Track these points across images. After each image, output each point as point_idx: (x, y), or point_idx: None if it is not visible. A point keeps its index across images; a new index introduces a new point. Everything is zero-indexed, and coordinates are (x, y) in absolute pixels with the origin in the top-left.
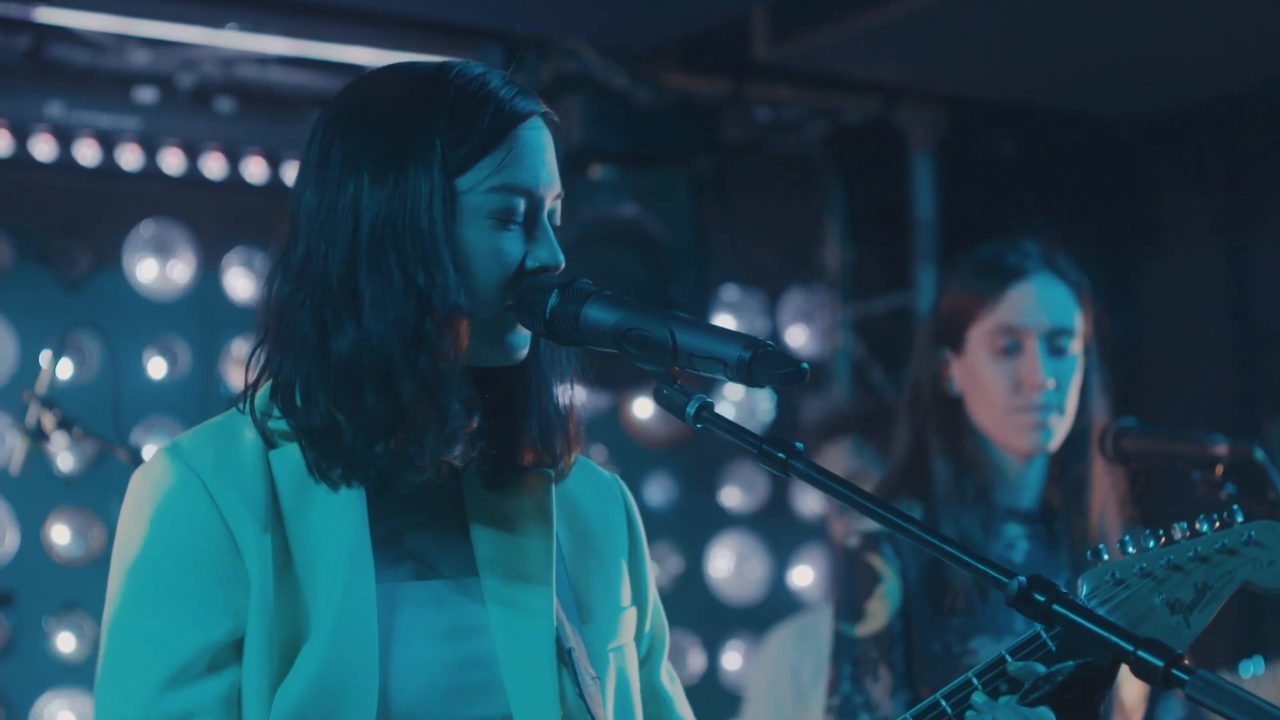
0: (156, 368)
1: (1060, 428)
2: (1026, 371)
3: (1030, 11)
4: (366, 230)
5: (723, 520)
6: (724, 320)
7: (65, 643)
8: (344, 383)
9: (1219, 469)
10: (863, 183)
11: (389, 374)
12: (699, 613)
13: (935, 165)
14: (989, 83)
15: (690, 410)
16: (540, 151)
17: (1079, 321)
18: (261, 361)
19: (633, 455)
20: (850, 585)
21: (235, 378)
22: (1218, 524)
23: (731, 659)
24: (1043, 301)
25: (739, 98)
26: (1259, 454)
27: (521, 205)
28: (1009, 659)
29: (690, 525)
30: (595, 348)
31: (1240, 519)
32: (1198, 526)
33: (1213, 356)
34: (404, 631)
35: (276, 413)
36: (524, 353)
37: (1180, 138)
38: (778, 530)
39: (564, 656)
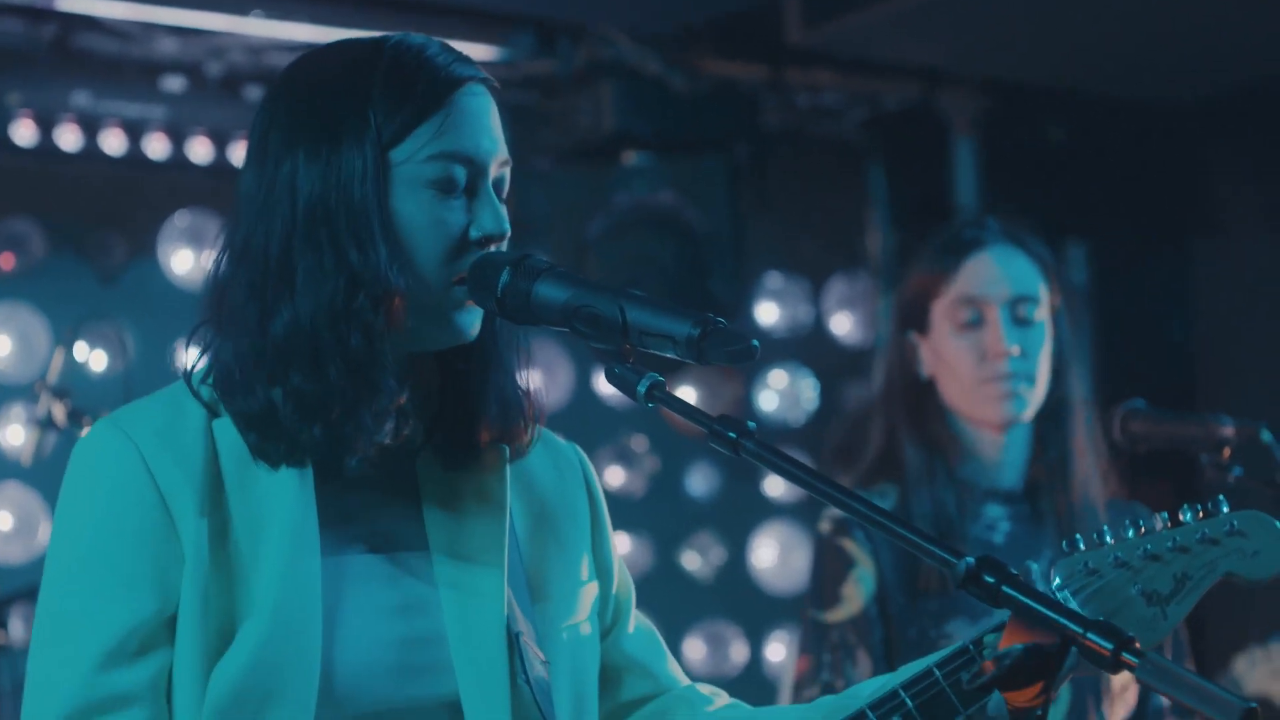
0: (193, 358)
1: (1032, 397)
2: (990, 341)
3: None
4: (302, 208)
5: (766, 510)
6: (768, 308)
7: None
8: (278, 364)
9: (1226, 451)
10: (904, 169)
11: (319, 353)
12: (742, 603)
13: (977, 151)
14: (1031, 66)
15: (641, 389)
16: (481, 117)
17: (1043, 291)
18: (202, 341)
19: (675, 445)
20: (823, 571)
21: None
22: (1202, 514)
23: (775, 650)
24: (1003, 270)
25: (776, 83)
26: (1266, 435)
27: (462, 174)
28: (973, 649)
29: (733, 515)
30: (547, 325)
31: (1225, 509)
32: (1180, 516)
33: (1270, 346)
34: (350, 606)
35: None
36: (474, 331)
37: (1233, 121)
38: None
39: (512, 640)
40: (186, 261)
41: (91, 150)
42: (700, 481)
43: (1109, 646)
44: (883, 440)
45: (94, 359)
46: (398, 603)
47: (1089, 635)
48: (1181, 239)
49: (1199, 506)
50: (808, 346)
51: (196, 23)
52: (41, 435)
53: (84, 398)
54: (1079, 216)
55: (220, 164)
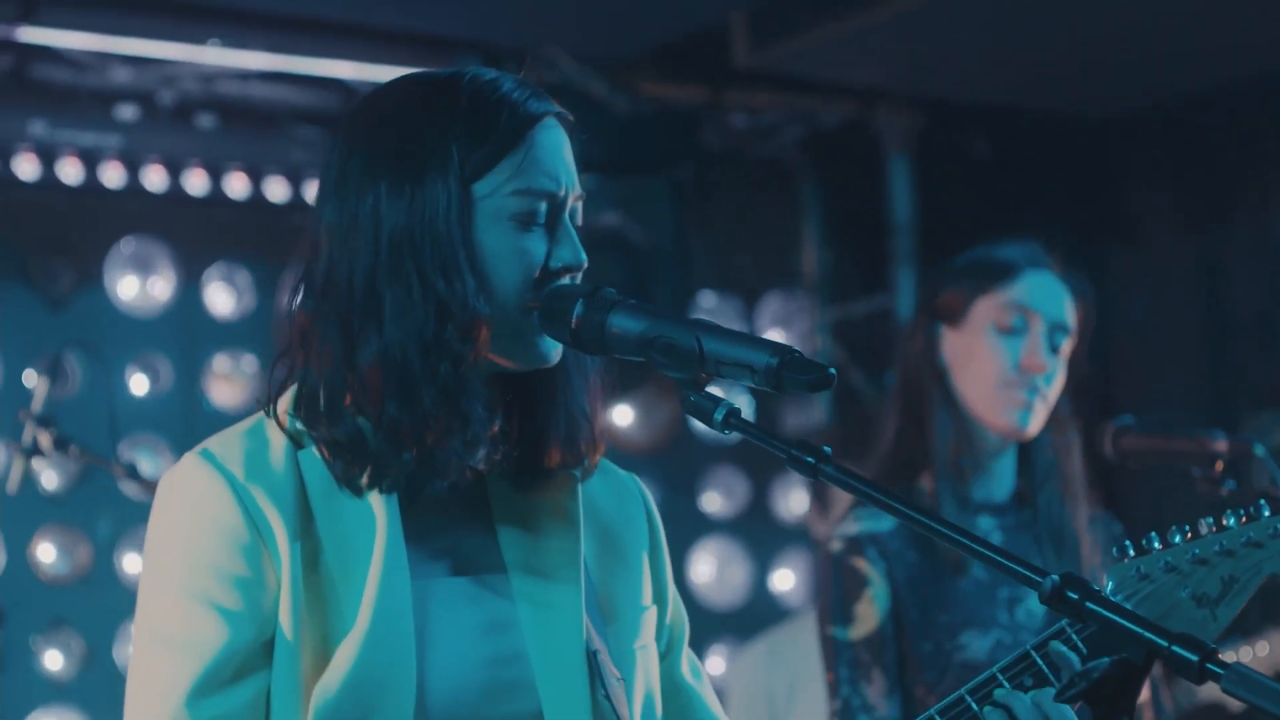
0: (139, 384)
1: (1039, 417)
2: (1030, 350)
3: (1005, 13)
4: (386, 241)
5: (704, 525)
6: None
7: (53, 660)
8: (367, 393)
9: (1219, 465)
10: (839, 186)
11: (410, 382)
12: None
13: (911, 168)
14: (964, 84)
15: (718, 416)
16: (558, 151)
17: (1073, 330)
18: (284, 373)
19: (613, 461)
20: (838, 590)
21: (218, 393)
22: (1244, 518)
23: (714, 664)
24: (1054, 294)
25: (717, 104)
26: (1259, 450)
27: (543, 207)
28: (1034, 655)
29: (671, 531)
30: (621, 356)
31: (1267, 513)
32: (1224, 521)
33: (1186, 352)
34: (439, 628)
35: (302, 422)
36: (557, 356)
37: (1152, 135)
38: (759, 535)
39: (590, 658)
40: (132, 287)
41: (49, 179)
42: None
43: (1194, 659)
44: (894, 441)
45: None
46: (484, 622)
47: (1174, 648)
48: (1099, 248)
49: (1242, 511)
50: None
51: (151, 52)
52: (27, 464)
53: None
54: (1004, 228)
55: (174, 191)
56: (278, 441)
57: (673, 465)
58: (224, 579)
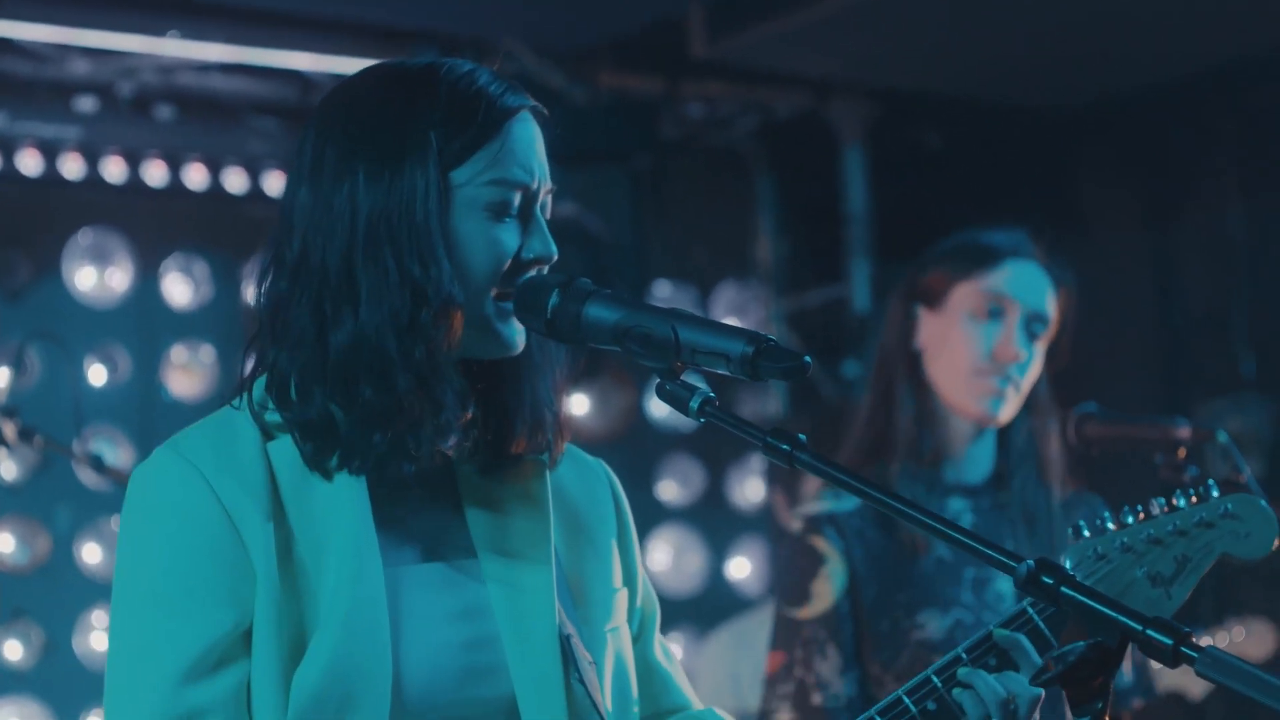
0: (97, 375)
1: (1011, 405)
2: (1004, 339)
3: (959, 5)
4: (363, 225)
5: (660, 514)
6: None
7: (12, 651)
8: (340, 375)
9: (1181, 452)
10: (794, 177)
11: (385, 366)
12: None
13: (865, 158)
14: (918, 75)
15: (694, 405)
16: (532, 145)
17: (1052, 320)
18: (255, 357)
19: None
20: (794, 568)
21: (176, 383)
22: (1194, 499)
23: (672, 650)
24: (1035, 284)
25: (674, 95)
26: (1222, 436)
27: (517, 198)
28: (995, 630)
29: None
30: (596, 346)
31: (1216, 494)
32: (1175, 502)
33: (1139, 343)
34: (412, 615)
35: (273, 405)
36: (521, 344)
37: (1104, 128)
38: (715, 523)
39: (562, 642)
40: (90, 278)
41: (8, 171)
42: None
43: (1169, 642)
44: (870, 417)
45: (1, 377)
46: (456, 607)
47: (1149, 631)
48: (1052, 240)
49: (1191, 492)
50: None
51: (110, 44)
52: None
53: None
54: (956, 219)
55: (133, 182)
56: (246, 434)
57: (629, 454)
58: (200, 570)
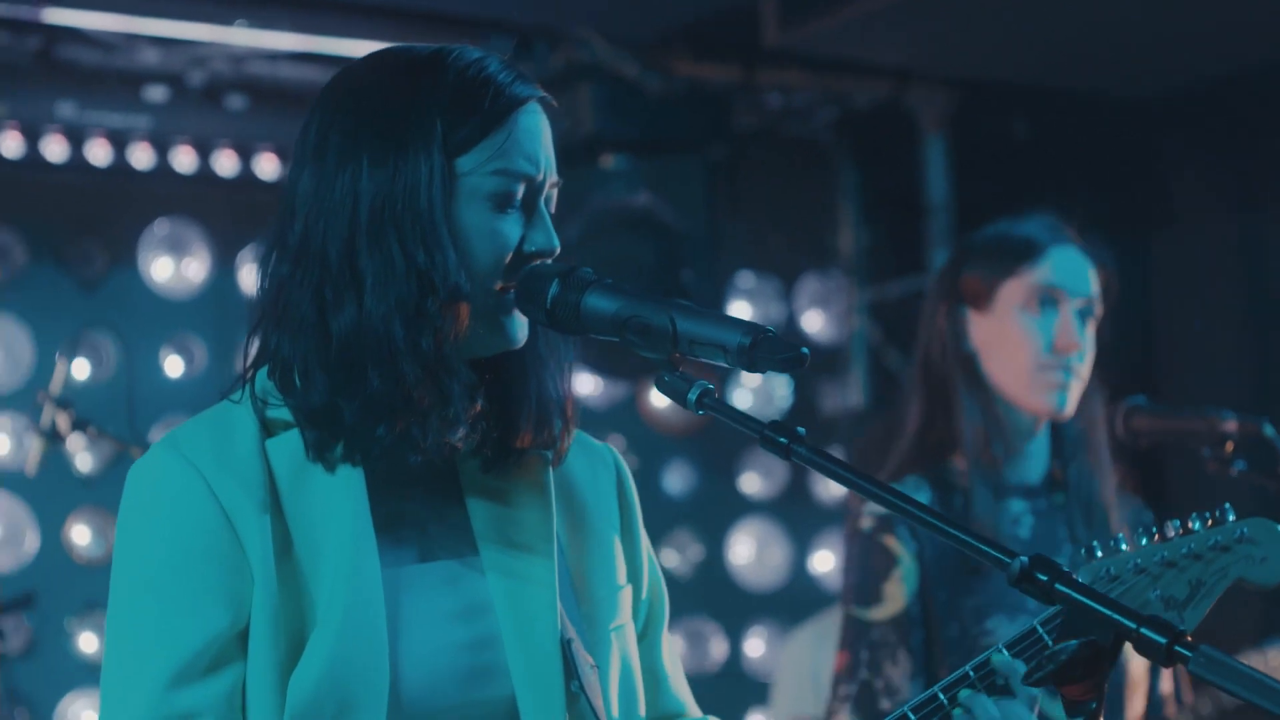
0: (173, 366)
1: (1075, 396)
2: (1062, 330)
3: None
4: (366, 210)
5: (742, 507)
6: (740, 307)
7: (87, 643)
8: (344, 362)
9: (1229, 445)
10: (875, 167)
11: (392, 355)
12: (720, 600)
13: (946, 148)
14: (998, 64)
15: (692, 396)
16: (538, 136)
17: (1097, 302)
18: (257, 345)
19: (651, 443)
20: (866, 568)
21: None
22: (1210, 521)
23: (754, 646)
24: (1079, 270)
25: (749, 84)
26: (1269, 430)
27: (521, 189)
28: (1003, 651)
29: (710, 513)
30: (596, 336)
31: (1232, 517)
32: (1190, 524)
33: (1227, 334)
34: (412, 616)
35: (274, 401)
36: (524, 338)
37: (1192, 116)
38: (798, 516)
39: (564, 647)
40: (166, 269)
41: (77, 160)
42: (677, 480)
43: (1162, 641)
44: (917, 428)
45: (76, 368)
46: (457, 607)
47: (1143, 630)
48: (1140, 229)
49: (1207, 515)
50: None
51: (178, 33)
52: (47, 446)
53: (81, 408)
54: (1042, 210)
55: (203, 172)
56: (245, 430)
57: (711, 447)
58: (197, 569)
